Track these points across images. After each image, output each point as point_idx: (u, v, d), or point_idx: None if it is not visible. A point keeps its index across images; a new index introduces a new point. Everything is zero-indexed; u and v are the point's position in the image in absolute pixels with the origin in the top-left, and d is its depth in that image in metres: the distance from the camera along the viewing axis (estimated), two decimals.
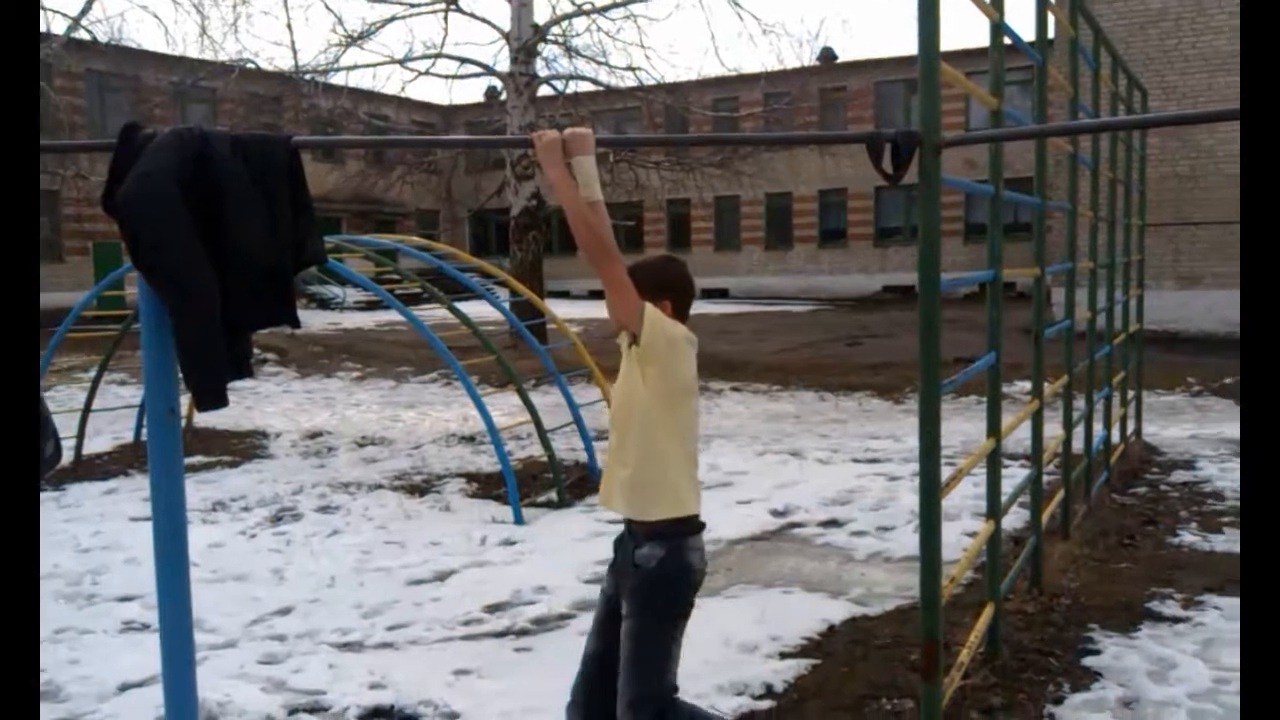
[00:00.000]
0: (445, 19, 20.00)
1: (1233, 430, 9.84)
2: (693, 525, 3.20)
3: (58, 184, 25.63)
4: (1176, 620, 5.05)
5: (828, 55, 34.47)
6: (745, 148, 23.54)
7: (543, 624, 5.38)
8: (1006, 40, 4.52)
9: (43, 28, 22.69)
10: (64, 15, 23.65)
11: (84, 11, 23.23)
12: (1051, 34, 6.29)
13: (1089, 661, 4.56)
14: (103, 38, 24.35)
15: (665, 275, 3.25)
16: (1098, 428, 7.47)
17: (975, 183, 4.70)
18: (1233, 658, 4.49)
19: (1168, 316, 17.26)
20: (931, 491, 3.44)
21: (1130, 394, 9.30)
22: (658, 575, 3.15)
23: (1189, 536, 6.57)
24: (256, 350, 17.27)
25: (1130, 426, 9.40)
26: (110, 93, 29.63)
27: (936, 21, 3.32)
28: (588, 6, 19.91)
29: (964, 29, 39.85)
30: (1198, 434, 10.21)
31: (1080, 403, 6.88)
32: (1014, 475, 6.28)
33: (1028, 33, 5.25)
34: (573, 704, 3.35)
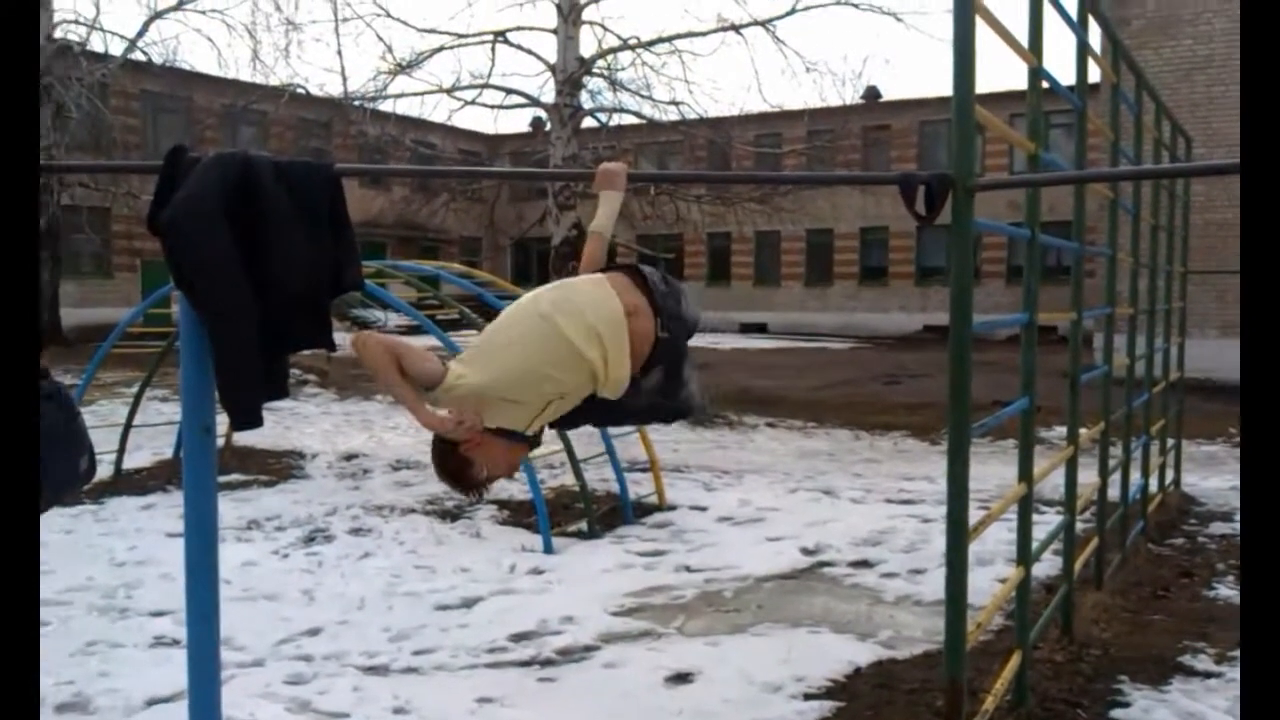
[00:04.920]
0: (493, 50, 20.25)
1: None
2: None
3: (109, 201, 26.15)
4: (1209, 675, 4.96)
5: (872, 93, 34.55)
6: (785, 184, 23.60)
7: (568, 655, 5.37)
8: (1046, 85, 4.53)
9: (100, 49, 23.29)
10: (121, 37, 24.20)
11: (140, 34, 23.83)
12: (1095, 78, 6.28)
13: (1117, 714, 4.49)
14: (158, 60, 24.96)
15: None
16: (1135, 476, 7.38)
17: (1011, 226, 4.69)
18: None
19: (1210, 365, 17.00)
20: (959, 534, 3.43)
21: (1170, 443, 9.17)
22: None
23: (1225, 590, 6.46)
24: (298, 372, 17.49)
25: (1169, 476, 9.27)
26: (164, 114, 30.29)
27: (972, 65, 3.34)
28: (633, 41, 20.11)
29: (1011, 70, 39.70)
30: (1238, 485, 10.05)
31: (1117, 450, 6.80)
32: (1049, 521, 6.22)
33: (1070, 77, 5.26)
34: None
